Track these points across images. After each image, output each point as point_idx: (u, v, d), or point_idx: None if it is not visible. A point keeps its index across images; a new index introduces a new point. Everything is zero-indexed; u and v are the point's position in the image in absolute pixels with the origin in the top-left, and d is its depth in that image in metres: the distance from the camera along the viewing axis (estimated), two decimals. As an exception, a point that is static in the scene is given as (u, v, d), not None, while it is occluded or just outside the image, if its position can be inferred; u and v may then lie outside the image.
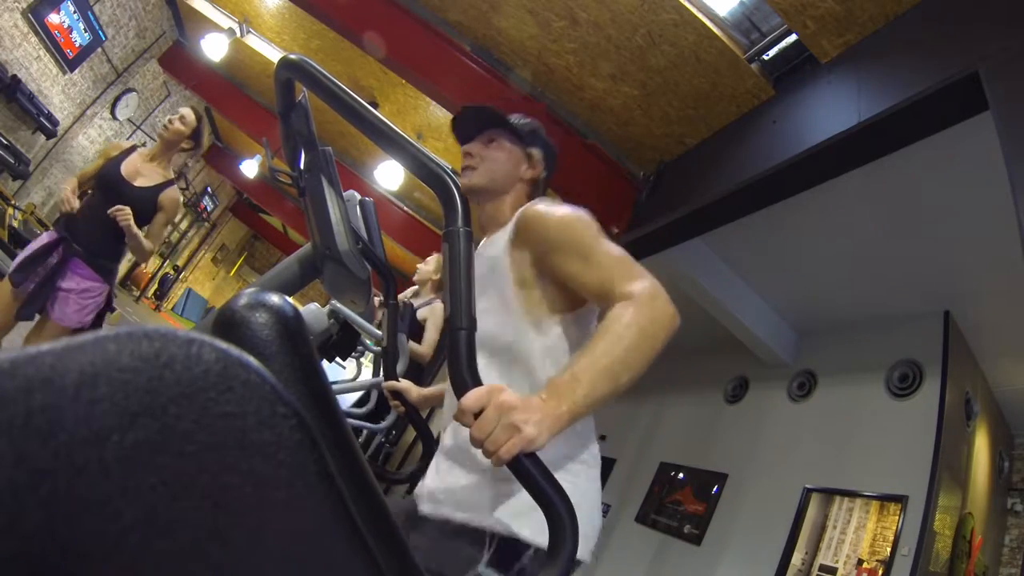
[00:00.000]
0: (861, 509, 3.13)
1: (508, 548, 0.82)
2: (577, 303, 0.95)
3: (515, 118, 1.14)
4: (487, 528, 0.83)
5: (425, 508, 0.93)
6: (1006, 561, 3.65)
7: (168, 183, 2.44)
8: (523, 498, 0.80)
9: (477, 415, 0.64)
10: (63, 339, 0.22)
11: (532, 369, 0.92)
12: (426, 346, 2.81)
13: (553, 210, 0.94)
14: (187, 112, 2.47)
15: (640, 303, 0.77)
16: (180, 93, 7.53)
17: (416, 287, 3.10)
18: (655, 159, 3.41)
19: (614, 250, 0.88)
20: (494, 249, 1.01)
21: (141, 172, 2.36)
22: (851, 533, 3.10)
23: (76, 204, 2.25)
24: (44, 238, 2.28)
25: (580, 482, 0.90)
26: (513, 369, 0.93)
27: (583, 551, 0.86)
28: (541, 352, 0.92)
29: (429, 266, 3.02)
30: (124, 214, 2.18)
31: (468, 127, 1.14)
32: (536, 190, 1.15)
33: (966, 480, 3.21)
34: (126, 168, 2.32)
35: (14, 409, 0.19)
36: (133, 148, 2.42)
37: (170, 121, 2.42)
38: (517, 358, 0.93)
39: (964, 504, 3.14)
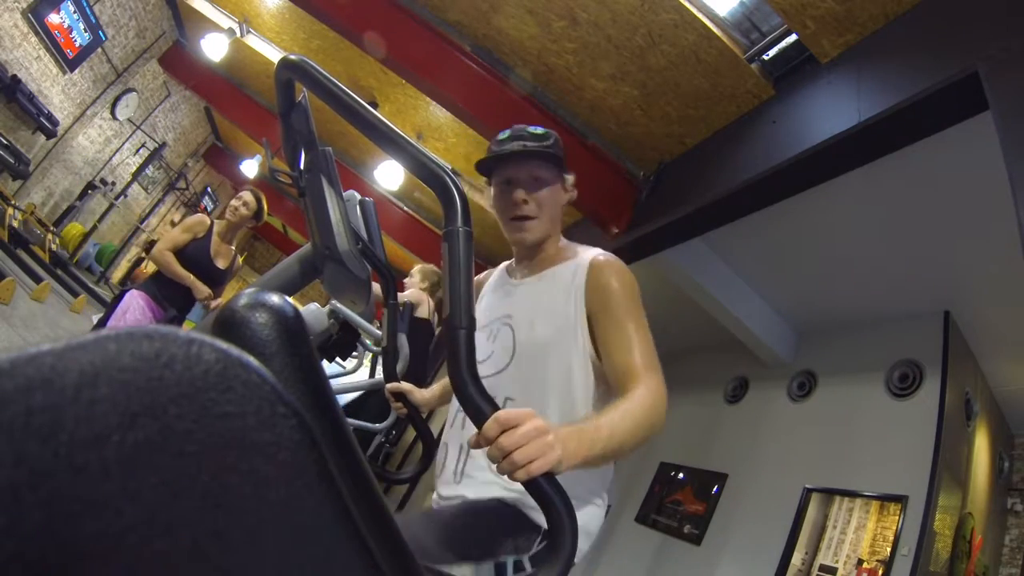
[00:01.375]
0: (861, 509, 3.13)
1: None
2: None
3: (554, 146, 1.08)
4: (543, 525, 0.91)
5: (485, 484, 0.98)
6: (1006, 561, 3.65)
7: (235, 257, 2.89)
8: (587, 512, 0.98)
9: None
10: (63, 339, 0.22)
11: (588, 407, 0.99)
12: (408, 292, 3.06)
13: (624, 271, 1.02)
14: (249, 198, 2.80)
15: (654, 397, 0.87)
16: (180, 93, 7.54)
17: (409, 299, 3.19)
18: (655, 159, 3.41)
19: (646, 335, 0.96)
20: (563, 289, 1.04)
21: (219, 253, 2.78)
22: (851, 533, 3.10)
23: (214, 297, 2.67)
24: (150, 310, 2.55)
25: (596, 501, 1.02)
26: (568, 405, 0.99)
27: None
28: (597, 394, 1.00)
29: (415, 278, 3.25)
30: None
31: (515, 169, 1.07)
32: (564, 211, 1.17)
33: (966, 480, 3.21)
34: (212, 251, 2.73)
35: (14, 409, 0.19)
36: (212, 224, 2.76)
37: (235, 208, 2.76)
38: (579, 397, 0.99)
39: (964, 504, 3.14)
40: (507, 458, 0.65)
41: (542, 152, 1.06)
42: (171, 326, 0.25)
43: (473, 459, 1.03)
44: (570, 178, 1.13)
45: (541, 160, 1.07)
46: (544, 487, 0.66)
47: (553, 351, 1.00)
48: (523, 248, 1.13)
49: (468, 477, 1.02)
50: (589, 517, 1.00)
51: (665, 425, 0.89)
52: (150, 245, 9.19)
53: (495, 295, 1.17)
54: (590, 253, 1.06)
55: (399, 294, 3.09)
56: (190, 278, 2.59)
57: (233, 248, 2.89)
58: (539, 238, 1.09)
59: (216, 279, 2.77)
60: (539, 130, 1.10)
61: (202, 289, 2.62)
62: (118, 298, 2.61)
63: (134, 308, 2.50)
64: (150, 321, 2.53)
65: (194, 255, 2.67)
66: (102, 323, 2.55)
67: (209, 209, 11.38)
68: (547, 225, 1.08)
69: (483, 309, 1.16)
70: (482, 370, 1.08)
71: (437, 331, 3.43)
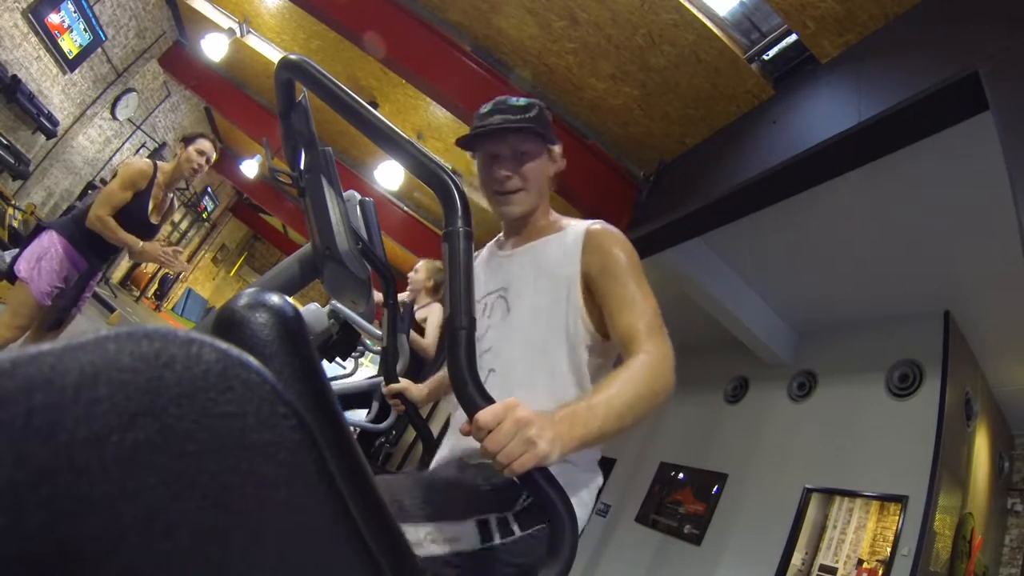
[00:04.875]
0: (861, 509, 3.13)
1: (535, 511, 0.87)
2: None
3: (535, 116, 1.07)
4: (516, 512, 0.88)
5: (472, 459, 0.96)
6: (1006, 561, 3.65)
7: (172, 203, 2.66)
8: (573, 475, 0.93)
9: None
10: (63, 339, 0.22)
11: (581, 376, 0.97)
12: (429, 339, 2.84)
13: (621, 236, 1.00)
14: (209, 148, 2.55)
15: (656, 361, 0.84)
16: (180, 93, 7.53)
17: (410, 293, 3.10)
18: (655, 159, 3.41)
19: (650, 299, 0.94)
20: (558, 255, 1.02)
21: (156, 206, 2.53)
22: (851, 533, 3.10)
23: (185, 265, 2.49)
24: (68, 259, 2.36)
25: (582, 511, 0.96)
26: (561, 373, 0.97)
27: None
28: (591, 364, 0.97)
29: (420, 274, 3.05)
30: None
31: (496, 144, 1.06)
32: (555, 179, 1.15)
33: (966, 480, 3.21)
34: (150, 207, 2.48)
35: (14, 409, 0.19)
36: (155, 173, 2.47)
37: (199, 165, 2.52)
38: (570, 364, 0.97)
39: (964, 504, 3.14)
40: (494, 459, 0.65)
41: (523, 127, 1.04)
42: (169, 327, 0.25)
43: (464, 443, 1.03)
44: (556, 148, 1.11)
45: (524, 134, 1.05)
46: (537, 482, 0.65)
47: (546, 318, 0.99)
48: (511, 221, 1.12)
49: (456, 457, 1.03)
50: (581, 483, 0.96)
51: (673, 387, 0.84)
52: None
53: (486, 270, 1.15)
54: (587, 222, 1.05)
55: (400, 294, 3.01)
56: (130, 240, 2.35)
57: (171, 195, 2.62)
58: (526, 210, 1.08)
59: (148, 235, 2.51)
60: (521, 102, 1.08)
61: (135, 243, 2.36)
62: (35, 233, 2.36)
63: (51, 255, 2.29)
64: (67, 271, 2.34)
65: (131, 210, 2.39)
66: (14, 261, 2.30)
67: (209, 209, 11.39)
68: (534, 197, 1.08)
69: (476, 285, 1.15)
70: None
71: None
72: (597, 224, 1.02)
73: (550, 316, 0.99)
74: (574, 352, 0.97)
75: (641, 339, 0.86)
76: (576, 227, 1.05)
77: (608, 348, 0.99)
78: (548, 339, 0.98)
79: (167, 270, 2.59)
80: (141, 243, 2.35)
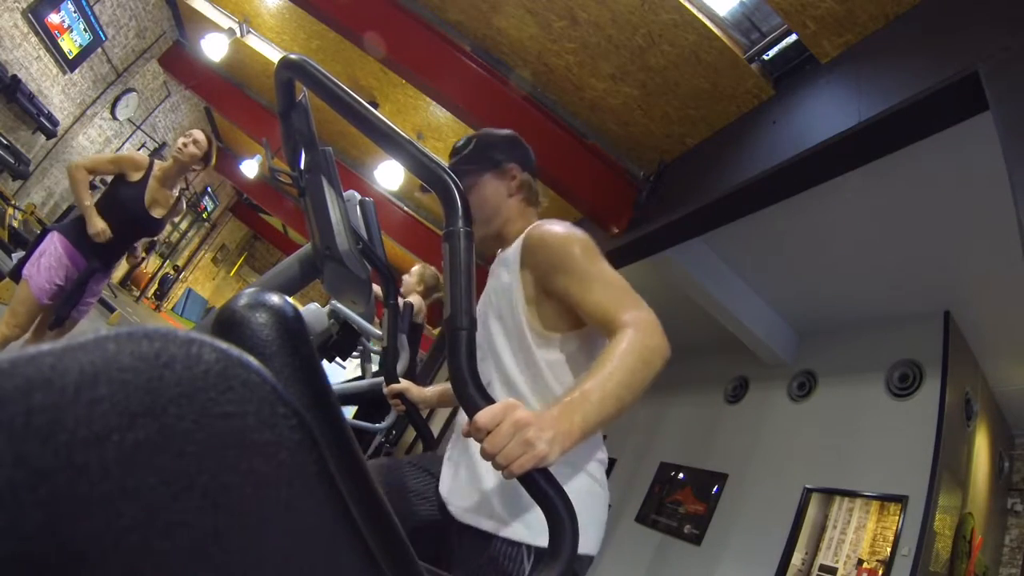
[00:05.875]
0: (861, 509, 3.13)
1: (542, 554, 0.86)
2: (582, 321, 0.97)
3: (468, 152, 1.13)
4: (535, 546, 0.88)
5: (464, 518, 0.95)
6: (1006, 561, 3.65)
7: (178, 201, 2.67)
8: (579, 491, 0.90)
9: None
10: (63, 339, 0.22)
11: (543, 384, 0.97)
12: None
13: (555, 231, 0.98)
14: (200, 136, 2.58)
15: (640, 332, 0.82)
16: (180, 93, 7.53)
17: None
18: (655, 159, 3.41)
19: (612, 276, 0.92)
20: (504, 270, 1.05)
21: (157, 200, 2.55)
22: (851, 533, 3.10)
23: (110, 234, 2.40)
24: (68, 257, 2.39)
25: (595, 485, 0.96)
26: (522, 384, 0.98)
27: (593, 545, 0.92)
28: (548, 368, 0.97)
29: (412, 278, 3.11)
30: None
31: None
32: (530, 191, 1.17)
33: (966, 480, 3.21)
34: (147, 198, 2.50)
35: (14, 409, 0.19)
36: (151, 167, 2.51)
37: (184, 145, 2.53)
38: (526, 373, 0.98)
39: (964, 504, 3.14)
40: (493, 461, 0.65)
41: (456, 169, 1.08)
42: (169, 327, 0.25)
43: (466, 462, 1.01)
44: (507, 166, 1.14)
45: (459, 175, 1.10)
46: (538, 482, 0.65)
47: (503, 329, 1.02)
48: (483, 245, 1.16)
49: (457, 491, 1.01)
50: (585, 501, 0.92)
51: (667, 349, 0.82)
52: (151, 245, 9.18)
53: None
54: (530, 226, 1.06)
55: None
56: (88, 208, 2.34)
57: (175, 193, 2.64)
58: (481, 236, 1.12)
59: (150, 228, 2.57)
60: (460, 143, 1.15)
61: (96, 223, 2.36)
62: (40, 237, 2.41)
63: (50, 253, 2.34)
64: (66, 269, 2.36)
65: (126, 200, 2.43)
66: (21, 263, 2.36)
67: (209, 209, 11.39)
68: (482, 227, 1.11)
69: None
70: None
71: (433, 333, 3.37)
72: (536, 227, 1.03)
73: (507, 328, 1.01)
74: (524, 356, 0.98)
75: (616, 314, 0.85)
76: (522, 236, 1.06)
77: (571, 339, 0.98)
78: (502, 351, 1.00)
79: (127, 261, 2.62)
80: (92, 209, 2.36)
